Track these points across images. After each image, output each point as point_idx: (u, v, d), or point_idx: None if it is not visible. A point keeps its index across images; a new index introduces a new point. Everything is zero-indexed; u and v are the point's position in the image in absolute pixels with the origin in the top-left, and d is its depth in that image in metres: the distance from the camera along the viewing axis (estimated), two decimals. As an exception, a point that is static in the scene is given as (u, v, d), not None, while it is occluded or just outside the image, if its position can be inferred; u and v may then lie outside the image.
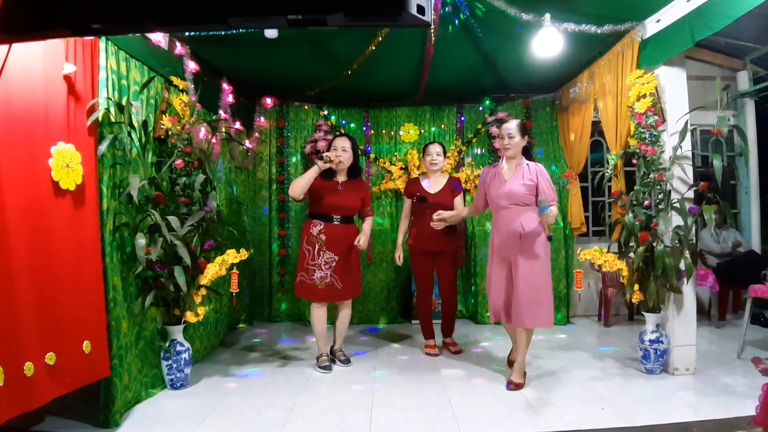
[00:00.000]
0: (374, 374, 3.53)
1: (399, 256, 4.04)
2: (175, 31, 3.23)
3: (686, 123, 3.30)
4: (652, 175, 3.37)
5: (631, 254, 3.42)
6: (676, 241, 3.29)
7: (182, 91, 3.39)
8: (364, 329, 4.92)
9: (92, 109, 2.59)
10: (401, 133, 5.30)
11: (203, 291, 3.24)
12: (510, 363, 3.52)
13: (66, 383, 2.33)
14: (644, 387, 3.19)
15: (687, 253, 3.26)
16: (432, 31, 3.62)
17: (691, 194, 3.35)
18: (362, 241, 3.60)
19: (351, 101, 5.29)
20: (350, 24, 1.24)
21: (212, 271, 3.21)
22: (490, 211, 3.49)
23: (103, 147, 2.62)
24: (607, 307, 4.95)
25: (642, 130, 3.42)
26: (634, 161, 3.48)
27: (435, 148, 3.95)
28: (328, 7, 1.21)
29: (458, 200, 3.97)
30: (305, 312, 4.70)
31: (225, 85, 4.03)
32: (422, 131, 5.30)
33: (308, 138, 5.25)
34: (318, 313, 3.63)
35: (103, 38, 2.67)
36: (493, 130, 5.10)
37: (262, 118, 5.03)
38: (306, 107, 5.31)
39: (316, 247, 3.54)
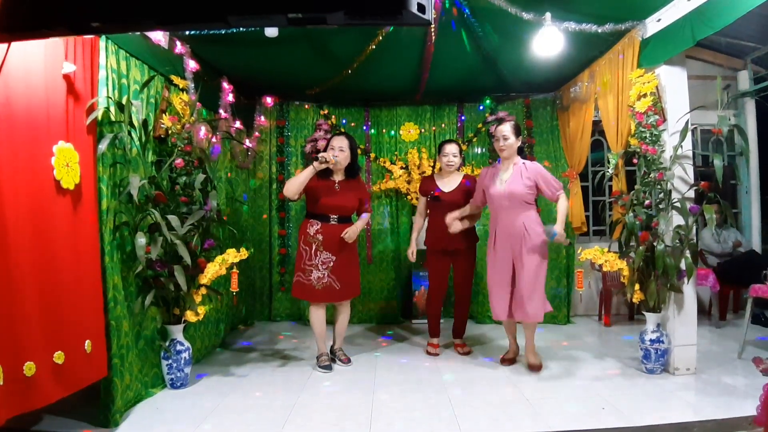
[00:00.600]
0: (374, 374, 3.52)
1: (412, 252, 4.05)
2: (174, 30, 3.23)
3: (687, 122, 3.30)
4: (652, 175, 3.37)
5: (632, 254, 3.42)
6: (677, 241, 3.29)
7: (182, 90, 3.39)
8: (365, 329, 4.93)
9: (91, 109, 2.59)
10: (401, 132, 5.30)
11: (203, 290, 3.24)
12: (503, 361, 3.67)
13: (70, 383, 2.33)
14: (645, 387, 3.18)
15: (687, 253, 3.26)
16: (432, 30, 3.62)
17: (691, 194, 3.35)
18: (350, 232, 3.52)
19: (351, 100, 5.28)
20: (350, 22, 1.23)
21: (212, 270, 3.21)
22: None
23: (103, 146, 2.62)
24: (608, 307, 4.94)
25: (642, 130, 3.41)
26: (635, 161, 3.47)
27: (452, 148, 3.92)
28: (328, 5, 1.21)
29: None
30: (305, 312, 4.70)
31: (225, 85, 4.03)
32: (422, 131, 5.30)
33: (308, 137, 5.25)
34: (317, 314, 3.63)
35: (103, 37, 2.67)
36: (494, 129, 5.10)
37: (263, 118, 5.03)
38: (306, 106, 5.32)
39: (313, 247, 3.52)
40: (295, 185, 3.46)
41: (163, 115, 3.18)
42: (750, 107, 5.41)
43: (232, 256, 3.31)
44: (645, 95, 3.39)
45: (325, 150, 3.59)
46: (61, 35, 2.18)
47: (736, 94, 5.37)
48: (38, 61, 2.25)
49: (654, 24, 3.38)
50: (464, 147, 5.20)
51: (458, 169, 4.00)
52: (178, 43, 3.42)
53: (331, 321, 3.84)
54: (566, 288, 5.02)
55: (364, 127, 5.30)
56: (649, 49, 3.43)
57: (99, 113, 2.63)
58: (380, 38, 3.74)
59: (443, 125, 5.29)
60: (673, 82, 3.38)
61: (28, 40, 1.96)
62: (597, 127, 4.79)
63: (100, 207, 2.65)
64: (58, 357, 2.24)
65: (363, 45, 3.85)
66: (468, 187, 3.93)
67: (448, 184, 3.98)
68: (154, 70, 3.15)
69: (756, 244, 5.37)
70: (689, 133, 3.31)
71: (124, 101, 2.79)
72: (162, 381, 3.20)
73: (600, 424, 2.63)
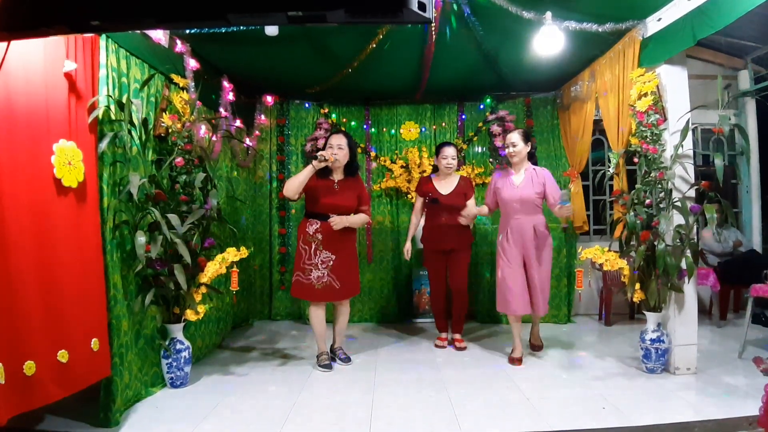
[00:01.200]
0: (374, 373, 3.52)
1: (407, 250, 4.15)
2: (174, 28, 3.23)
3: (687, 122, 3.30)
4: (653, 174, 3.36)
5: (633, 253, 3.42)
6: (677, 240, 3.29)
7: (182, 88, 3.38)
8: (365, 328, 4.92)
9: (93, 107, 2.59)
10: (402, 131, 5.29)
11: (203, 289, 3.24)
12: (511, 361, 3.72)
13: (73, 382, 2.32)
14: (645, 386, 3.18)
15: (688, 252, 3.26)
16: (433, 28, 3.61)
17: (692, 193, 3.34)
18: (336, 220, 3.47)
19: (351, 99, 5.28)
20: (351, 20, 1.23)
21: (212, 269, 3.21)
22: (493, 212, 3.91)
23: (104, 145, 2.62)
24: (608, 306, 4.94)
25: (643, 129, 3.41)
26: (636, 160, 3.47)
27: (450, 151, 4.04)
28: (328, 3, 1.21)
29: (470, 202, 4.07)
30: (305, 311, 4.70)
31: (225, 83, 4.03)
32: (423, 129, 5.29)
33: (309, 136, 5.24)
34: (317, 313, 3.62)
35: (103, 36, 2.67)
36: (494, 128, 5.10)
37: (263, 116, 5.04)
38: (306, 105, 5.32)
39: (313, 247, 3.51)
40: (294, 185, 3.44)
41: (164, 113, 3.18)
42: (750, 107, 5.40)
43: (232, 254, 3.31)
44: (646, 94, 3.38)
45: (323, 148, 3.57)
46: (61, 34, 2.18)
47: (736, 93, 5.37)
48: (38, 60, 2.25)
49: (654, 23, 3.38)
50: (464, 146, 5.21)
51: (457, 169, 4.06)
52: (179, 42, 3.42)
53: (330, 320, 3.84)
54: (567, 287, 5.02)
55: (365, 126, 5.30)
56: (650, 48, 3.43)
57: (100, 112, 2.63)
58: (381, 37, 3.73)
59: (444, 124, 5.29)
60: (674, 82, 3.38)
61: (28, 38, 1.96)
62: (598, 126, 4.78)
63: (101, 205, 2.65)
64: (62, 356, 2.23)
65: (363, 43, 3.85)
66: (467, 192, 4.07)
67: (446, 186, 4.09)
68: (154, 68, 3.15)
69: (756, 244, 5.36)
70: (690, 133, 3.30)
71: (124, 100, 2.79)
72: (162, 380, 3.20)
73: (600, 424, 2.62)
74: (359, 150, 5.17)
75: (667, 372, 3.40)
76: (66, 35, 2.37)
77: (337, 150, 3.50)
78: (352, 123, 5.29)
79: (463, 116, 5.27)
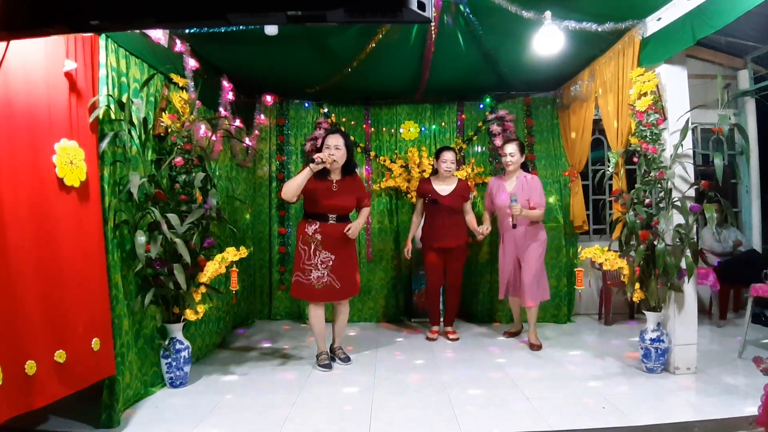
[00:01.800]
0: (374, 373, 3.52)
1: (408, 250, 4.38)
2: (174, 28, 3.23)
3: (687, 121, 3.29)
4: (653, 174, 3.36)
5: (632, 253, 3.42)
6: (677, 240, 3.29)
7: (182, 88, 3.38)
8: (364, 327, 4.92)
9: (93, 107, 2.59)
10: (401, 130, 5.29)
11: (203, 289, 3.23)
12: (506, 334, 4.43)
13: (75, 382, 2.32)
14: (645, 386, 3.18)
15: (688, 252, 3.26)
16: (433, 27, 3.61)
17: (692, 193, 3.34)
18: (352, 228, 3.53)
19: (351, 99, 5.27)
20: (350, 20, 1.23)
21: (212, 269, 3.21)
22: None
23: (104, 144, 2.63)
24: (608, 306, 4.94)
25: (643, 128, 3.41)
26: (635, 159, 3.47)
27: (450, 156, 4.25)
28: (327, 3, 1.21)
29: (467, 205, 4.36)
30: (305, 310, 4.69)
31: (225, 83, 4.03)
32: (423, 129, 5.29)
33: (308, 135, 5.24)
34: (316, 313, 3.62)
35: (103, 35, 2.67)
36: (494, 128, 5.11)
37: (262, 116, 5.03)
38: (306, 104, 5.31)
39: (312, 247, 3.51)
40: (292, 188, 3.42)
41: (163, 113, 3.18)
42: (750, 106, 5.40)
43: (232, 254, 3.31)
44: (645, 94, 3.38)
45: (320, 149, 3.57)
46: (61, 33, 2.18)
47: (736, 93, 5.37)
48: (38, 60, 2.25)
49: (654, 23, 3.38)
50: (464, 146, 5.21)
51: (457, 169, 4.14)
52: (178, 42, 3.42)
53: (330, 320, 3.84)
54: (566, 287, 5.02)
55: (364, 126, 5.29)
56: (650, 47, 3.42)
57: (100, 111, 2.63)
58: (380, 36, 3.73)
59: (443, 123, 5.29)
60: (674, 81, 3.38)
61: (28, 38, 1.96)
62: (597, 126, 4.78)
63: (103, 205, 2.64)
64: (59, 356, 2.23)
65: (363, 43, 3.85)
66: (465, 195, 4.32)
67: (445, 187, 4.30)
68: (154, 68, 3.14)
69: (756, 244, 5.36)
70: (689, 132, 3.30)
71: (124, 99, 2.79)
72: (161, 380, 3.20)
73: (600, 424, 2.63)
74: (359, 150, 5.18)
75: (666, 372, 3.40)
76: (66, 35, 2.37)
77: (334, 150, 3.49)
78: (352, 122, 5.28)
79: (463, 116, 5.26)
